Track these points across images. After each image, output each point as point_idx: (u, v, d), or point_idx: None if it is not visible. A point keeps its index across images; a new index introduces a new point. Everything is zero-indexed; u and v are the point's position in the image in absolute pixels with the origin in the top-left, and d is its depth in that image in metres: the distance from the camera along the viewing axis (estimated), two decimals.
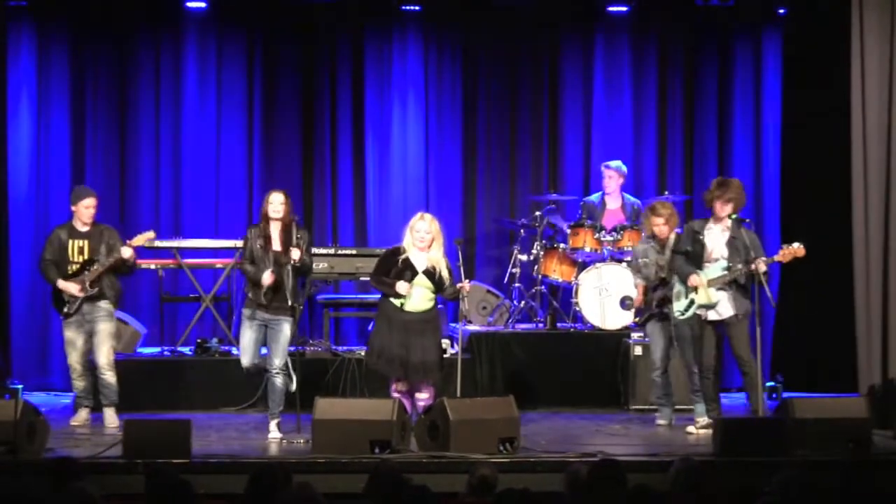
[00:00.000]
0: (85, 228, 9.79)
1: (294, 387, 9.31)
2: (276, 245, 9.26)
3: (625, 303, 11.05)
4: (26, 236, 12.00)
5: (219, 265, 11.59)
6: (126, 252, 9.65)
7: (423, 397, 9.26)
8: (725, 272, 9.35)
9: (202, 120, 12.38)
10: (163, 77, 12.32)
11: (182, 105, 12.34)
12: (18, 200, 12.00)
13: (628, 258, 11.30)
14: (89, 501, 5.55)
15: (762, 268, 9.23)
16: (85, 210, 9.79)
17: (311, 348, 11.10)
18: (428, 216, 9.41)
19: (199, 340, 11.21)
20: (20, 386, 11.02)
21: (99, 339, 9.74)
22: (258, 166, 12.44)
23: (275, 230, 9.29)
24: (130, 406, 9.86)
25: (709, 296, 9.36)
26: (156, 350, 11.50)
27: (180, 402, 10.52)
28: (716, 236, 9.45)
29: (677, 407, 10.20)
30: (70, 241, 9.78)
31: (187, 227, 12.18)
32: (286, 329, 9.31)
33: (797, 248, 9.29)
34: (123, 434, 8.25)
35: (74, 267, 9.73)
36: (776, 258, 9.36)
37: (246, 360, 9.31)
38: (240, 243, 10.89)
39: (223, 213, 12.30)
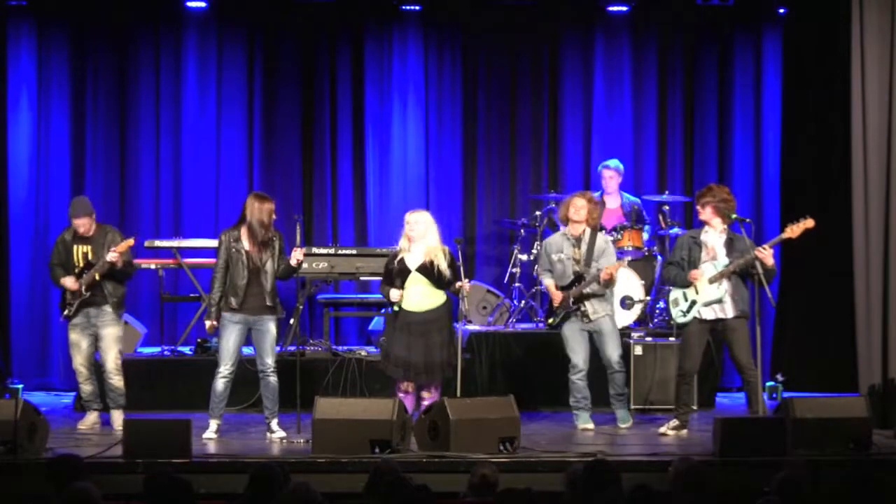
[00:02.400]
0: (89, 233, 9.78)
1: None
2: (247, 245, 9.26)
3: (624, 302, 11.05)
4: (26, 236, 12.01)
5: None
6: (110, 257, 9.57)
7: (428, 397, 9.25)
8: (726, 267, 9.30)
9: (202, 120, 12.38)
10: (163, 77, 12.32)
11: (182, 105, 12.34)
12: (18, 200, 12.00)
13: (628, 257, 11.29)
14: (89, 501, 5.56)
15: (768, 252, 9.12)
16: (79, 226, 9.75)
17: (311, 348, 11.10)
18: (420, 209, 9.52)
19: (199, 340, 11.20)
20: (20, 386, 11.02)
21: (105, 344, 9.73)
22: (258, 166, 12.44)
23: (246, 231, 9.29)
24: (130, 406, 9.84)
25: (711, 292, 9.31)
26: (156, 350, 11.49)
27: (180, 402, 10.51)
28: (713, 238, 9.42)
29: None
30: (74, 247, 9.75)
31: (187, 227, 12.18)
32: (272, 327, 9.31)
33: (807, 221, 9.16)
34: (123, 434, 8.26)
35: (76, 270, 9.72)
36: (785, 235, 9.19)
37: (230, 366, 9.28)
38: None
39: (223, 213, 12.29)
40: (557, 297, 9.75)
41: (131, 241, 9.82)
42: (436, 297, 9.30)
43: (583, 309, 9.69)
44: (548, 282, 9.90)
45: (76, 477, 6.10)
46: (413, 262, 9.27)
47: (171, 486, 5.80)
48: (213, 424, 9.27)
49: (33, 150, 12.07)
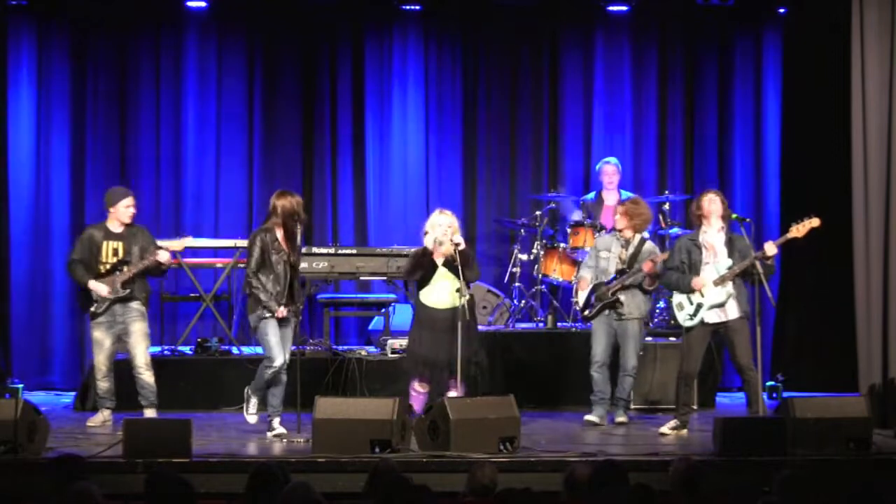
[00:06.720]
0: (119, 230, 9.70)
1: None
2: (283, 244, 9.23)
3: None
4: (26, 236, 12.00)
5: (219, 265, 11.60)
6: (163, 256, 9.60)
7: (454, 395, 9.22)
8: (729, 269, 9.30)
9: (202, 120, 12.38)
10: (163, 77, 12.32)
11: (182, 105, 12.34)
12: (18, 200, 12.00)
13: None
14: (90, 501, 5.55)
15: (773, 250, 9.17)
16: (125, 210, 9.69)
17: (311, 348, 11.10)
18: (447, 211, 9.57)
19: (199, 340, 11.21)
20: (20, 385, 11.02)
21: (135, 340, 9.69)
22: (258, 166, 12.44)
23: (279, 231, 9.24)
24: (130, 406, 9.84)
25: (716, 295, 9.30)
26: (156, 350, 11.48)
27: (180, 402, 10.50)
28: (713, 237, 9.41)
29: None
30: (105, 243, 9.68)
31: (187, 226, 12.17)
32: (294, 324, 9.33)
33: (812, 220, 9.21)
34: (123, 434, 8.25)
35: (106, 267, 9.67)
36: (790, 235, 9.22)
37: (281, 358, 9.14)
38: (241, 242, 10.89)
39: (223, 213, 12.31)
40: (583, 286, 9.99)
41: (188, 241, 9.93)
42: (457, 295, 9.27)
43: (618, 303, 9.82)
44: (582, 274, 10.13)
45: (77, 477, 6.10)
46: (438, 258, 9.33)
47: (171, 486, 5.80)
48: (275, 422, 9.21)
49: (33, 150, 12.06)
